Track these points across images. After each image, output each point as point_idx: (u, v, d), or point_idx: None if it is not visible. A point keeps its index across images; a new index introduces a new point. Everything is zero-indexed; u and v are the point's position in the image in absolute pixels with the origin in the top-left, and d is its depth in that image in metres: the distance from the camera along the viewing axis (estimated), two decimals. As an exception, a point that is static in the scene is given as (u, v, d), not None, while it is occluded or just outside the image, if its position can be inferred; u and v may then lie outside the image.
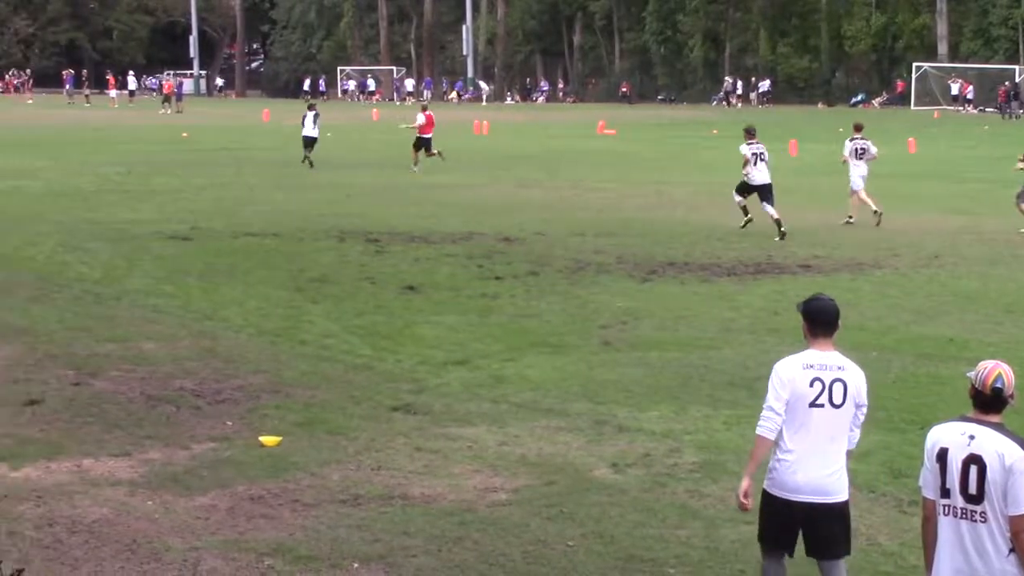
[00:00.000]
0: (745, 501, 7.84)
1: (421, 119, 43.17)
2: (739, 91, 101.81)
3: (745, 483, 7.83)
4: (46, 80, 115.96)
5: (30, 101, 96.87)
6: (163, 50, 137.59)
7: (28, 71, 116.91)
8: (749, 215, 27.61)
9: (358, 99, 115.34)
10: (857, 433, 7.88)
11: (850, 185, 29.57)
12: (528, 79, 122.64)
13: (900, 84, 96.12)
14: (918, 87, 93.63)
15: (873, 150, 30.21)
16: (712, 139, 58.81)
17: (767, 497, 7.89)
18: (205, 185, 37.04)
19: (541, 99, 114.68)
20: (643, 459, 11.67)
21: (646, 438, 12.33)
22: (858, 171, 29.56)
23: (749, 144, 27.68)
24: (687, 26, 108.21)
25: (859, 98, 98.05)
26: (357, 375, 14.84)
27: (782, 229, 26.57)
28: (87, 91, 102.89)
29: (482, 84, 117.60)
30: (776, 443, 7.76)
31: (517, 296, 19.96)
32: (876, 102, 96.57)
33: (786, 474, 7.71)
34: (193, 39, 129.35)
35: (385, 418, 13.00)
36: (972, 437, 6.25)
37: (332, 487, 10.83)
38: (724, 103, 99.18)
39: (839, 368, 7.72)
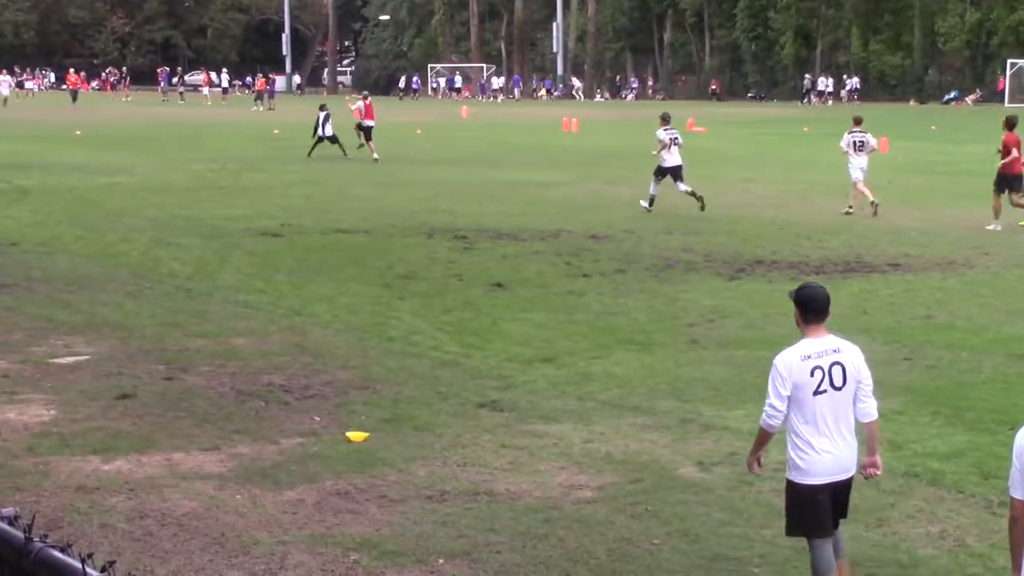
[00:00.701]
0: (758, 468, 8.72)
1: (360, 106, 46.17)
2: (823, 88, 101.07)
3: (752, 458, 8.64)
4: (141, 78, 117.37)
5: (127, 99, 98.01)
6: (256, 48, 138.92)
7: (124, 69, 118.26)
8: (652, 207, 30.31)
9: (449, 96, 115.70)
10: (871, 403, 8.14)
11: (850, 176, 30.70)
12: (618, 76, 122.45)
13: (1001, 82, 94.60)
14: (1013, 84, 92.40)
15: (872, 142, 31.13)
16: (802, 137, 58.39)
17: (798, 489, 8.15)
18: (296, 182, 37.32)
19: (631, 96, 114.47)
20: (729, 458, 11.61)
21: (732, 437, 12.27)
22: (858, 163, 30.56)
23: (666, 130, 31.00)
24: (778, 23, 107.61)
25: (952, 95, 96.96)
26: (444, 371, 14.88)
27: (702, 200, 29.94)
28: (181, 88, 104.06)
29: (575, 81, 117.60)
30: (790, 435, 8.12)
31: (604, 293, 19.93)
32: (969, 99, 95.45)
33: (811, 463, 8.04)
34: (286, 37, 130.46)
35: (471, 415, 13.03)
36: None
37: (418, 483, 10.87)
38: (803, 101, 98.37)
39: (835, 351, 8.08)
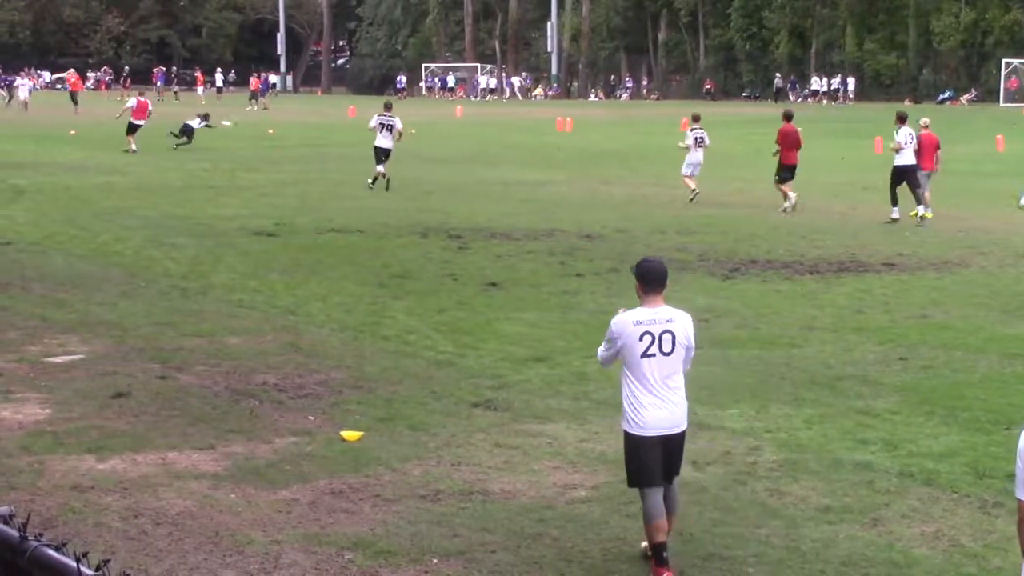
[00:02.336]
0: None
1: (133, 103, 47.91)
2: (817, 88, 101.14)
3: None
4: (136, 77, 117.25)
5: (123, 98, 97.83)
6: (251, 47, 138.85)
7: (126, 68, 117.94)
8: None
9: (439, 95, 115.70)
10: (687, 365, 9.18)
11: (694, 166, 33.50)
12: (612, 76, 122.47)
13: (1014, 81, 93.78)
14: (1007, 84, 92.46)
15: (707, 140, 34.13)
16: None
17: (634, 440, 9.03)
18: (290, 181, 37.32)
19: (625, 96, 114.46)
20: (723, 457, 11.63)
21: (726, 436, 12.28)
22: (695, 157, 33.60)
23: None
24: (773, 22, 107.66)
25: (947, 95, 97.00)
26: (438, 371, 14.88)
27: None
28: (176, 88, 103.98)
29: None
30: (624, 392, 9.02)
31: (598, 293, 19.94)
32: (964, 99, 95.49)
33: (642, 417, 8.94)
34: (281, 36, 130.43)
35: (466, 414, 13.03)
36: None
37: (412, 482, 10.87)
38: (776, 100, 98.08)
39: (668, 321, 8.95)
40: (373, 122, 36.42)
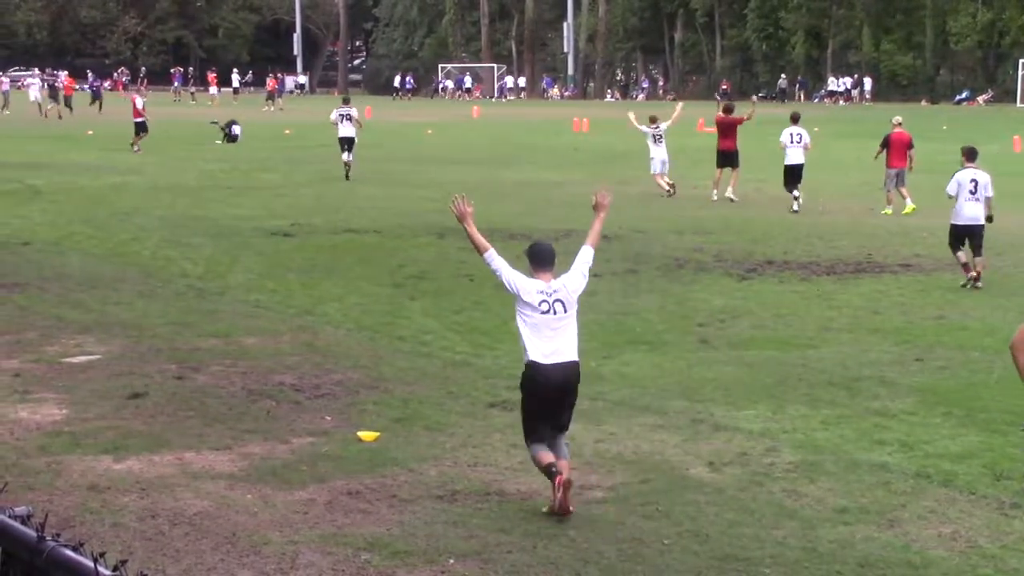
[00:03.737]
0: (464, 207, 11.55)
1: (140, 103, 48.34)
2: (834, 89, 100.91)
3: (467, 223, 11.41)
4: (153, 78, 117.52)
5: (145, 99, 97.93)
6: (267, 47, 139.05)
7: (142, 69, 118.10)
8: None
9: (456, 96, 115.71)
10: (586, 263, 11.42)
11: (661, 164, 35.07)
12: (628, 76, 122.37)
13: None
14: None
15: (664, 137, 35.49)
16: (813, 137, 58.23)
17: (530, 386, 10.45)
18: (306, 181, 37.36)
19: (641, 96, 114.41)
20: (740, 458, 11.61)
21: (743, 437, 12.26)
22: (660, 155, 35.04)
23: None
24: (789, 23, 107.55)
25: (964, 95, 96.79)
26: (455, 371, 14.88)
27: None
28: (192, 88, 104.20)
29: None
30: (524, 345, 10.46)
31: (615, 293, 19.93)
32: (981, 99, 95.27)
33: (539, 364, 10.35)
34: (297, 37, 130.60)
35: (482, 414, 13.04)
36: None
37: (429, 483, 10.87)
38: (782, 101, 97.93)
39: (555, 291, 10.68)
40: (333, 115, 38.91)
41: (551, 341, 10.47)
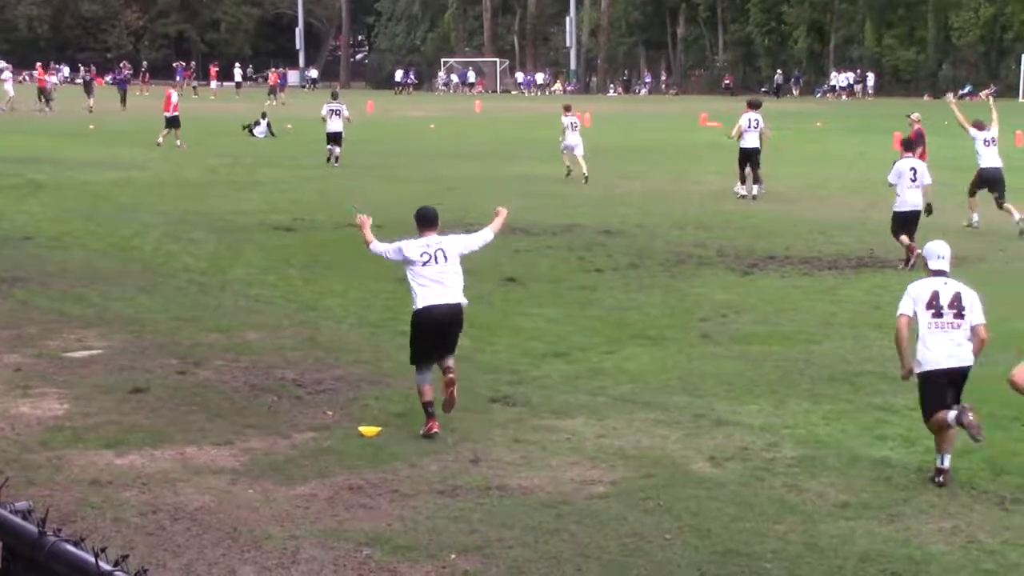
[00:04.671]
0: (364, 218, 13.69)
1: (175, 98, 48.67)
2: (834, 83, 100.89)
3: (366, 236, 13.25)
4: (154, 72, 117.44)
5: (145, 93, 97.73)
6: (269, 42, 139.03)
7: (144, 64, 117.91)
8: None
9: (459, 91, 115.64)
10: (473, 242, 13.18)
11: (566, 148, 37.19)
12: (631, 71, 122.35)
13: None
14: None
15: (578, 127, 37.89)
16: (815, 132, 58.31)
17: (416, 329, 12.52)
18: (309, 176, 37.35)
19: (643, 91, 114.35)
20: (741, 453, 11.63)
21: (745, 432, 12.28)
22: (570, 140, 37.23)
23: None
24: (792, 17, 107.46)
25: (966, 90, 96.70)
26: (456, 366, 14.87)
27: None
28: (194, 82, 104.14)
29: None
30: (413, 297, 12.43)
31: (617, 288, 19.95)
32: (984, 94, 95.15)
33: (422, 310, 12.34)
34: (299, 31, 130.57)
35: (484, 409, 13.06)
36: None
37: (430, 478, 10.89)
38: (777, 95, 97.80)
39: (439, 243, 12.59)
40: (323, 110, 40.76)
41: (433, 289, 12.34)
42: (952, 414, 10.81)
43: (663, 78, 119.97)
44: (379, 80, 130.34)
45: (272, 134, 53.81)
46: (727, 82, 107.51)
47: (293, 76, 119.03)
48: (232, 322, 17.22)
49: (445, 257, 12.47)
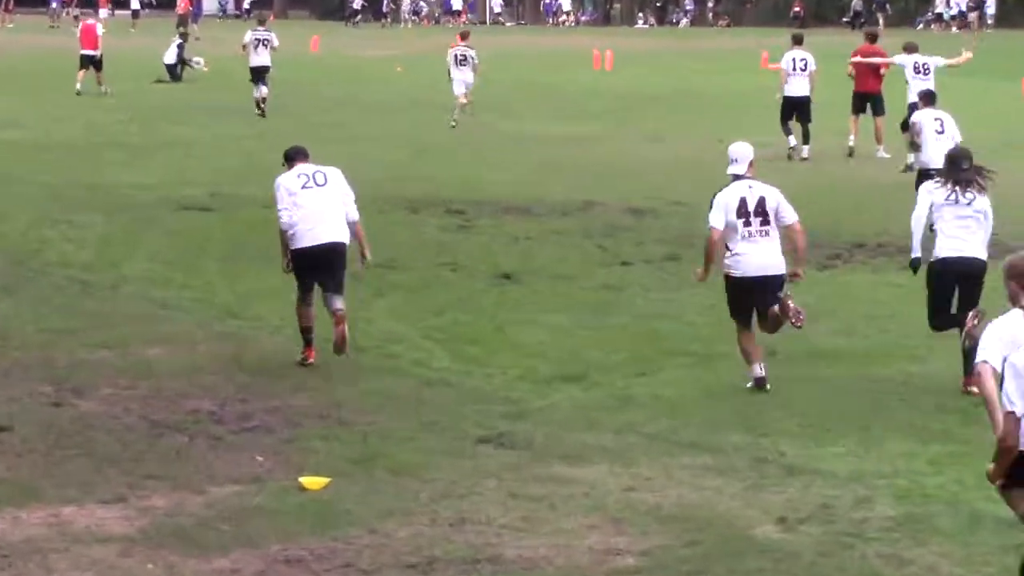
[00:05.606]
0: None
1: (100, 30, 49.58)
2: (941, 11, 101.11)
3: None
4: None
5: (9, 25, 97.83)
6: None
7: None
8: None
9: (442, 21, 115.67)
10: (352, 207, 16.35)
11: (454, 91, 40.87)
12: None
13: None
14: None
15: (475, 60, 41.46)
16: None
17: (295, 254, 16.03)
18: (232, 136, 37.34)
19: (684, 21, 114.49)
20: (821, 512, 11.58)
21: (824, 483, 12.24)
22: (460, 75, 41.07)
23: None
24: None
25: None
26: (433, 394, 14.88)
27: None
28: (76, 10, 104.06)
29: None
30: (292, 236, 15.94)
31: (650, 288, 19.95)
32: None
33: (301, 236, 15.88)
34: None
35: (470, 453, 13.01)
36: None
37: (397, 547, 10.84)
38: (852, 28, 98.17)
39: (317, 170, 16.24)
40: (247, 38, 43.33)
41: (312, 226, 15.83)
42: (775, 307, 14.93)
43: (709, 5, 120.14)
44: (327, 8, 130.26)
45: (179, 76, 53.92)
46: (797, 10, 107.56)
47: (210, 3, 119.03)
48: (126, 334, 17.16)
49: (325, 178, 16.18)
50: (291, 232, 15.92)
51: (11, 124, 39.34)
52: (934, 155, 22.89)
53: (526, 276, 20.59)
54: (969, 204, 15.49)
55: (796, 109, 34.01)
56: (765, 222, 15.28)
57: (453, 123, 40.10)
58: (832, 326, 17.83)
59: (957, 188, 15.45)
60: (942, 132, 23.93)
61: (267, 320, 18.06)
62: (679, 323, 17.99)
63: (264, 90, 41.60)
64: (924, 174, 22.54)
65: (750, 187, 15.54)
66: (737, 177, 15.70)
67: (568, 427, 13.78)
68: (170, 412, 14.16)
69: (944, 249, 15.45)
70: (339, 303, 15.84)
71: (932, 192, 15.68)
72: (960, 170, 15.55)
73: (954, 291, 15.50)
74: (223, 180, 29.23)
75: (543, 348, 16.73)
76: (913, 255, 15.98)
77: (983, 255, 15.76)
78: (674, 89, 52.90)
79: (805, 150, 33.78)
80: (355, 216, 16.33)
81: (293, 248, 15.95)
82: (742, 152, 15.94)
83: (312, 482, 12.11)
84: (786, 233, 15.46)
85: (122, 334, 17.18)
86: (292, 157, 16.40)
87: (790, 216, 15.47)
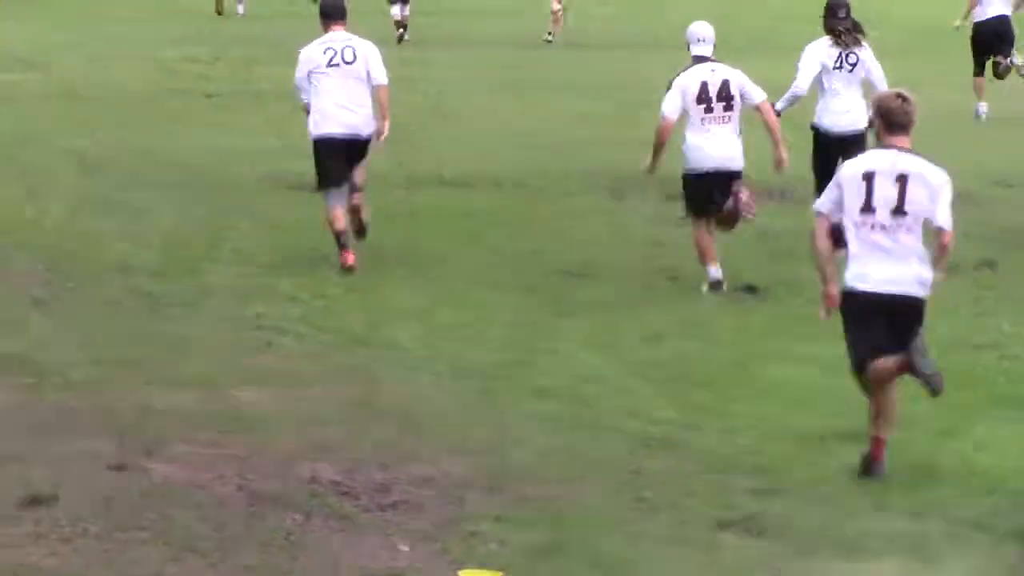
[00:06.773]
0: None
1: None
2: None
3: None
4: None
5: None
6: None
7: None
8: None
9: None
10: (381, 72, 21.04)
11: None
12: None
13: None
14: None
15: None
16: None
17: (317, 155, 21.19)
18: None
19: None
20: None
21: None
22: None
23: None
24: None
25: None
26: (650, 457, 14.88)
27: None
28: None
29: None
30: (311, 121, 21.05)
31: (962, 305, 19.82)
32: None
33: (321, 122, 20.85)
34: None
35: (704, 541, 13.04)
36: None
37: None
38: None
39: (347, 41, 20.09)
40: None
41: (334, 111, 20.41)
42: (728, 202, 20.06)
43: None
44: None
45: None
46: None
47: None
48: (212, 369, 17.35)
49: (354, 54, 20.22)
50: (312, 116, 20.88)
51: (33, 62, 39.85)
52: None
53: (779, 289, 20.55)
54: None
55: (999, 39, 33.97)
56: (728, 107, 20.51)
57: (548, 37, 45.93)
58: None
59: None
60: None
61: (410, 350, 18.21)
62: (1002, 358, 17.86)
63: (400, 10, 43.56)
64: None
65: (712, 70, 20.55)
66: (700, 59, 20.64)
67: (844, 507, 13.75)
68: (276, 480, 14.24)
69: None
70: (357, 198, 21.16)
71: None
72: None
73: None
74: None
75: (806, 392, 16.67)
76: None
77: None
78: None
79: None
80: (383, 80, 20.95)
81: (313, 134, 20.78)
82: (708, 32, 20.81)
83: (478, 580, 12.26)
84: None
85: (206, 369, 17.36)
86: (329, 15, 20.29)
87: (757, 95, 20.70)
